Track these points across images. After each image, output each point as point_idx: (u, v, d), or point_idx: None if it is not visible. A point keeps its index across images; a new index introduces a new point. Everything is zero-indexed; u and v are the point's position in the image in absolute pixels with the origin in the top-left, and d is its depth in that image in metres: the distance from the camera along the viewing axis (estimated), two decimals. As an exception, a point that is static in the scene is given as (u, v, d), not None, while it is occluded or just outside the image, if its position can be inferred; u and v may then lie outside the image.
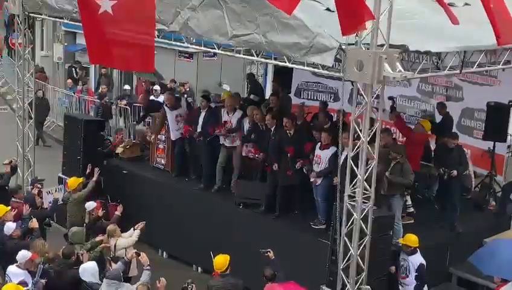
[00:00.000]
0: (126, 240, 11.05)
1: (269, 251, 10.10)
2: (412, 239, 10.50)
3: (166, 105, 14.20)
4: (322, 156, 11.48)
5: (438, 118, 14.64)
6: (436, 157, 13.09)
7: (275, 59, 10.10)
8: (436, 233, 11.96)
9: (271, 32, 9.65)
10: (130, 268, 10.43)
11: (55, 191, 13.99)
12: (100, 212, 11.86)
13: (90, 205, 12.07)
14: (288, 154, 11.76)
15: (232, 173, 13.26)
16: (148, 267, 9.58)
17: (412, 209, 12.34)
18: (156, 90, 19.66)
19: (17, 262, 9.65)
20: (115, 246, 10.91)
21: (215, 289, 9.52)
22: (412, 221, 12.10)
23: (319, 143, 11.61)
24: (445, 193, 12.41)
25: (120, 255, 10.57)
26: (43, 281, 9.48)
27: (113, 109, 20.65)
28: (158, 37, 11.45)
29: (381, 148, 10.01)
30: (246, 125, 12.95)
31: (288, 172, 11.79)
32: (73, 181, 12.86)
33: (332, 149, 11.22)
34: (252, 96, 16.10)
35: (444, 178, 12.03)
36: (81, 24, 12.79)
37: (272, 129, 12.35)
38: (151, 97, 19.11)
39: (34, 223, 11.09)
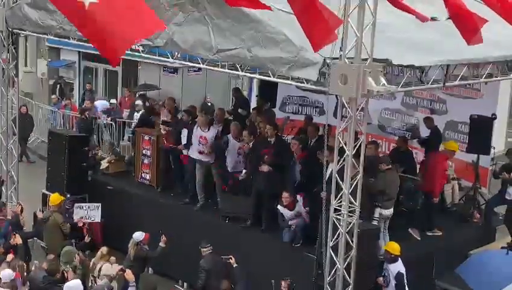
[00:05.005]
0: (111, 268, 10.83)
1: (231, 258, 10.28)
2: (394, 247, 10.52)
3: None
4: None
5: (425, 131, 14.70)
6: None
7: (260, 74, 10.13)
8: (421, 245, 11.99)
9: (256, 47, 9.69)
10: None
11: (39, 210, 13.76)
12: (146, 241, 11.44)
13: (139, 236, 11.40)
14: (265, 157, 11.73)
15: (214, 188, 13.21)
16: (133, 284, 9.51)
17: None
18: (137, 104, 19.61)
19: None
20: (100, 269, 10.79)
21: None
22: (440, 233, 12.30)
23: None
24: None
25: (101, 279, 10.44)
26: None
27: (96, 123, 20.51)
28: (143, 52, 11.53)
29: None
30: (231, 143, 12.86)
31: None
32: (55, 197, 12.63)
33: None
34: (240, 111, 16.11)
35: None
36: (65, 40, 12.92)
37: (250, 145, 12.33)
38: (135, 114, 19.00)
39: (18, 239, 11.00)
